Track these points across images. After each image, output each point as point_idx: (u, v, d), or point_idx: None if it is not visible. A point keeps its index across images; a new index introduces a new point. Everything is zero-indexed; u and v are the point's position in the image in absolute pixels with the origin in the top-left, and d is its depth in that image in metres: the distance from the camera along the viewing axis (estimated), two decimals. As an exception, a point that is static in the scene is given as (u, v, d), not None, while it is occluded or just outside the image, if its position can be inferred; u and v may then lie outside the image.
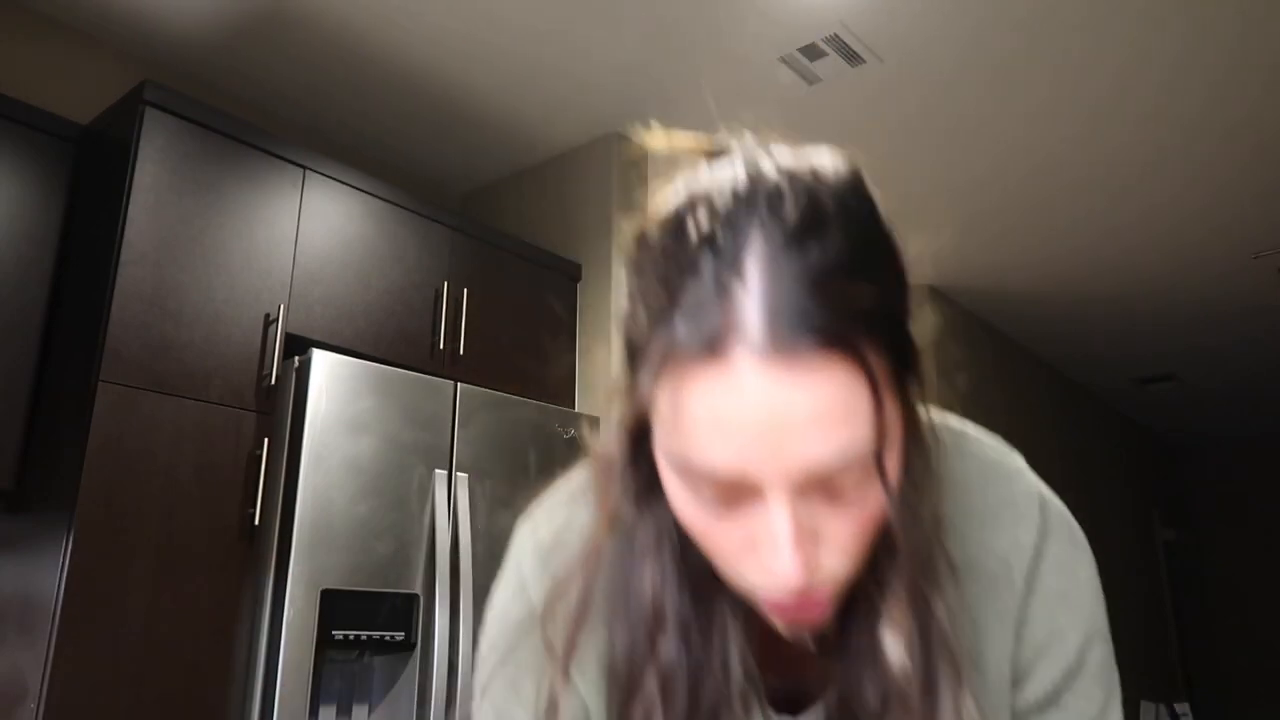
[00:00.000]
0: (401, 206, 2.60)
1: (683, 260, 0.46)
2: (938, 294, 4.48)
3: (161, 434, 1.98)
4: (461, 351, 2.62)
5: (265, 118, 2.98)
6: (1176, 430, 7.27)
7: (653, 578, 0.57)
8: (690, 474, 0.48)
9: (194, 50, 2.71)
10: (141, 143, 2.07)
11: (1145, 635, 6.10)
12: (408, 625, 2.13)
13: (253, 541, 2.06)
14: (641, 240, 0.51)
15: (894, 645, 0.54)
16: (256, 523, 2.06)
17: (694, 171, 0.52)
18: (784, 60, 2.69)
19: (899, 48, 2.67)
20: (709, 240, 0.46)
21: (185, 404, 2.03)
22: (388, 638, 2.10)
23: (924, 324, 0.53)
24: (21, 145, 2.14)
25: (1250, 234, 3.89)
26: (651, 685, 0.56)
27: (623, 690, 0.58)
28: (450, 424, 2.34)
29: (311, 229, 2.36)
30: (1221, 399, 6.33)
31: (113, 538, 1.88)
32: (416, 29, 2.61)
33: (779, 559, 0.47)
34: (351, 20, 2.58)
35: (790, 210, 0.46)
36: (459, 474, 2.31)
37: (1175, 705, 5.10)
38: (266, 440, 2.10)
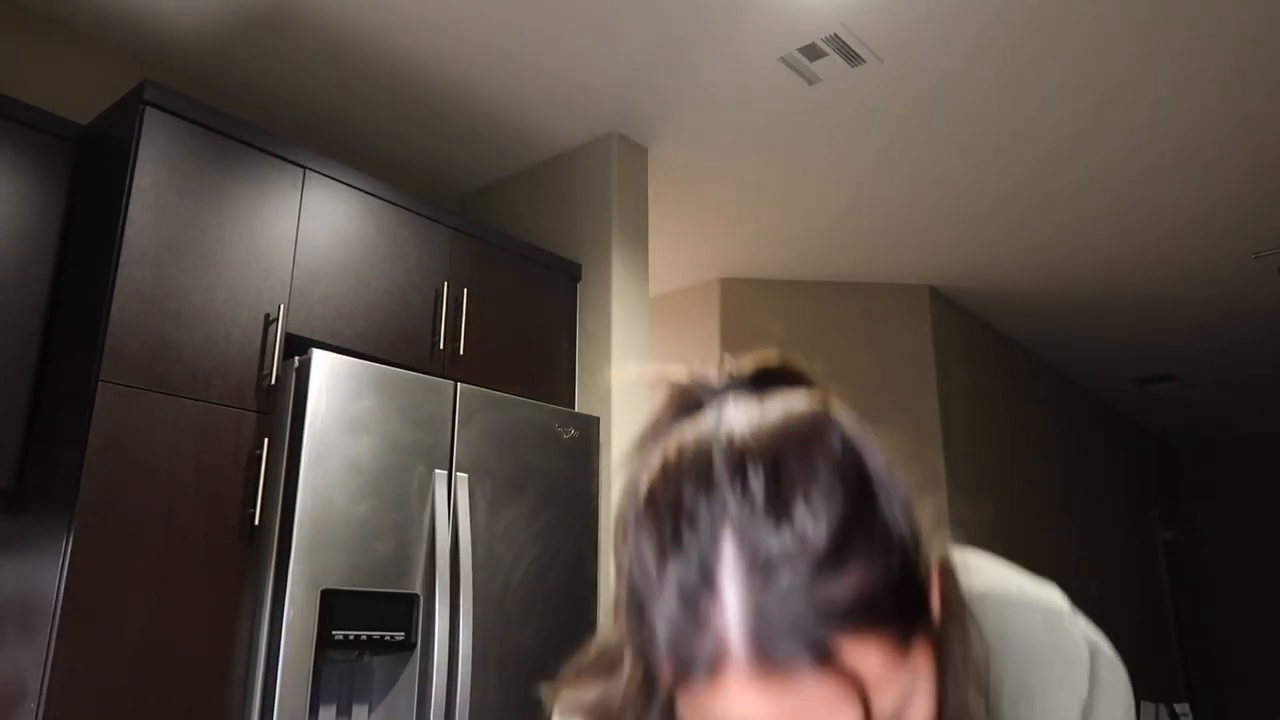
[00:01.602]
0: (401, 206, 2.60)
1: (663, 570, 0.45)
2: (938, 294, 4.48)
3: (161, 434, 1.98)
4: (461, 351, 2.62)
5: (265, 118, 2.99)
6: (1176, 430, 7.27)
7: None
8: None
9: (194, 50, 2.71)
10: (141, 143, 2.07)
11: (1145, 635, 6.10)
12: (408, 625, 2.13)
13: (253, 541, 2.06)
14: (622, 520, 0.49)
15: None
16: (256, 523, 2.06)
17: (661, 424, 0.51)
18: (784, 60, 2.69)
19: (899, 48, 2.67)
20: (679, 547, 0.45)
21: (185, 404, 2.03)
22: (388, 638, 2.10)
23: (938, 543, 0.51)
24: (21, 145, 2.14)
25: (1250, 234, 3.89)
26: None
27: None
28: (450, 424, 2.34)
29: (311, 229, 2.36)
30: (1221, 399, 6.33)
31: (113, 538, 1.88)
32: (416, 29, 2.61)
33: None
34: (351, 21, 2.58)
35: (762, 504, 0.44)
36: (459, 474, 2.31)
37: (1175, 705, 5.10)
38: (266, 440, 2.10)
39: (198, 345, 2.08)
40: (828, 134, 3.10)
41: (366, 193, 2.52)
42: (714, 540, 0.44)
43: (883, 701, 0.43)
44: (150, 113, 2.10)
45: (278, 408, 2.15)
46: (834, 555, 0.43)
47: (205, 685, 1.96)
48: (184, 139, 2.15)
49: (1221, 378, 5.86)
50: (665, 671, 0.46)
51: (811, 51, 2.66)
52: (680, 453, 0.47)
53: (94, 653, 1.81)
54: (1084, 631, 0.62)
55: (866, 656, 0.43)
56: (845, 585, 0.43)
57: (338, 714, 2.16)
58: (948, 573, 0.53)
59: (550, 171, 3.30)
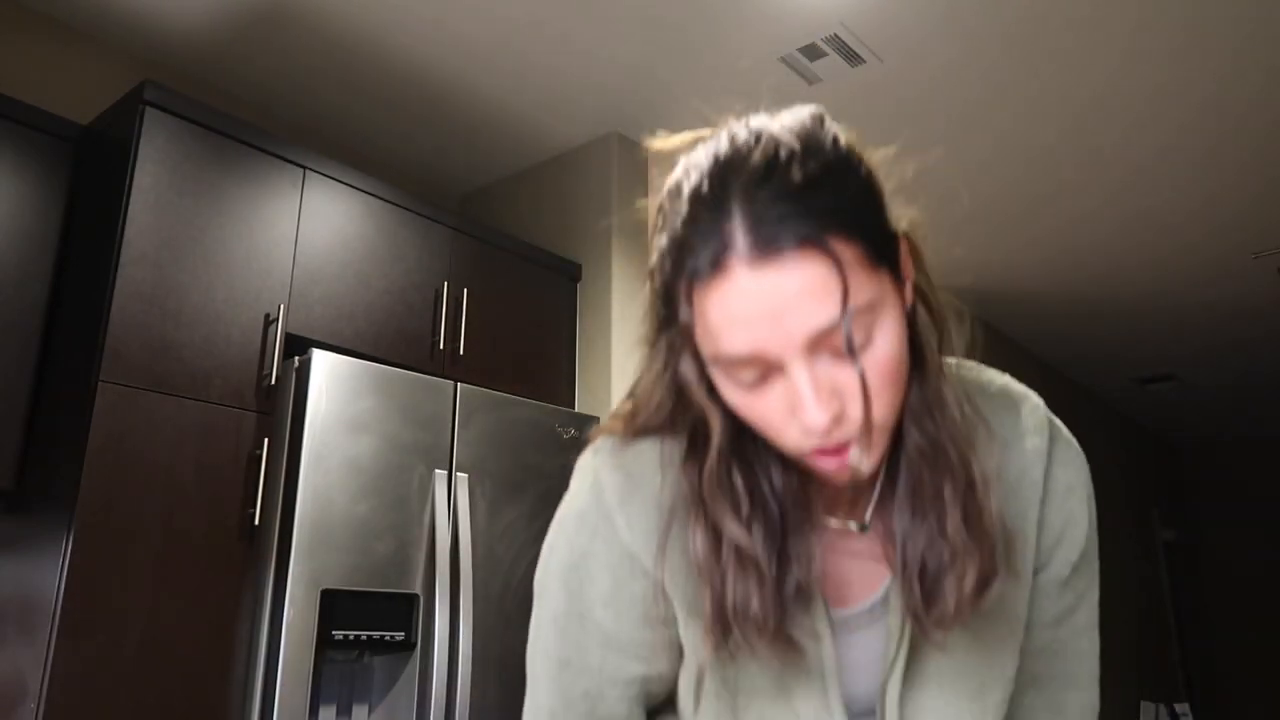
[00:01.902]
0: (401, 206, 2.60)
1: (685, 214, 0.61)
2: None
3: (161, 434, 1.98)
4: (461, 351, 2.62)
5: (265, 118, 2.98)
6: (1176, 430, 7.27)
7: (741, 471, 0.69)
8: (727, 368, 0.62)
9: (194, 50, 2.71)
10: (141, 143, 2.07)
11: (1145, 635, 6.10)
12: (408, 625, 2.13)
13: (253, 541, 2.06)
14: (659, 210, 0.66)
15: (951, 512, 0.66)
16: (256, 523, 2.06)
17: (690, 151, 0.66)
18: (784, 60, 2.69)
19: (899, 47, 2.67)
20: (699, 194, 0.61)
21: (185, 404, 2.03)
22: (388, 638, 2.10)
23: (906, 219, 0.68)
24: (21, 145, 2.14)
25: (1250, 234, 3.89)
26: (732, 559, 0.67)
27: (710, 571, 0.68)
28: (450, 424, 2.34)
29: (311, 229, 2.36)
30: (1221, 399, 6.33)
31: (113, 538, 1.88)
32: (417, 29, 2.61)
33: (808, 411, 0.59)
34: (351, 20, 2.58)
35: (758, 157, 0.60)
36: (459, 474, 2.31)
37: (1175, 705, 5.10)
38: (266, 440, 2.10)
39: (198, 345, 2.08)
40: (828, 134, 3.09)
41: (366, 193, 2.52)
42: (727, 183, 0.60)
43: (858, 296, 0.58)
44: (150, 113, 2.10)
45: (278, 408, 2.15)
46: (814, 183, 0.59)
47: (205, 685, 1.96)
48: (184, 139, 2.15)
49: (1221, 378, 5.86)
50: (682, 289, 0.61)
51: (811, 51, 2.66)
52: (704, 149, 0.64)
53: (94, 653, 1.81)
54: (1040, 402, 0.79)
55: (844, 251, 0.58)
56: (826, 200, 0.58)
57: (338, 714, 2.16)
58: (915, 249, 0.69)
59: (550, 171, 3.30)
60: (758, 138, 0.62)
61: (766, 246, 0.57)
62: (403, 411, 2.24)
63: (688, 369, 0.65)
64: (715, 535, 0.67)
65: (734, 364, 0.61)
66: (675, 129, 0.70)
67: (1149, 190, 3.53)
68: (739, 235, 0.58)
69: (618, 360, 2.93)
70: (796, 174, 0.59)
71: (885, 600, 0.72)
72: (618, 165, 3.10)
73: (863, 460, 0.62)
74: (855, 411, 0.61)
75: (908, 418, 0.67)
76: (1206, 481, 7.60)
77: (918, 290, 0.68)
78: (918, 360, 0.67)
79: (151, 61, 2.73)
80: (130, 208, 2.03)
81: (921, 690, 0.71)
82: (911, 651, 0.70)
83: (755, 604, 0.65)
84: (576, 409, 2.92)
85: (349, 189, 2.48)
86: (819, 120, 0.64)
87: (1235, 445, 7.48)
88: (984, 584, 0.65)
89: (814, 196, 0.58)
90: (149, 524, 1.93)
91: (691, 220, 0.60)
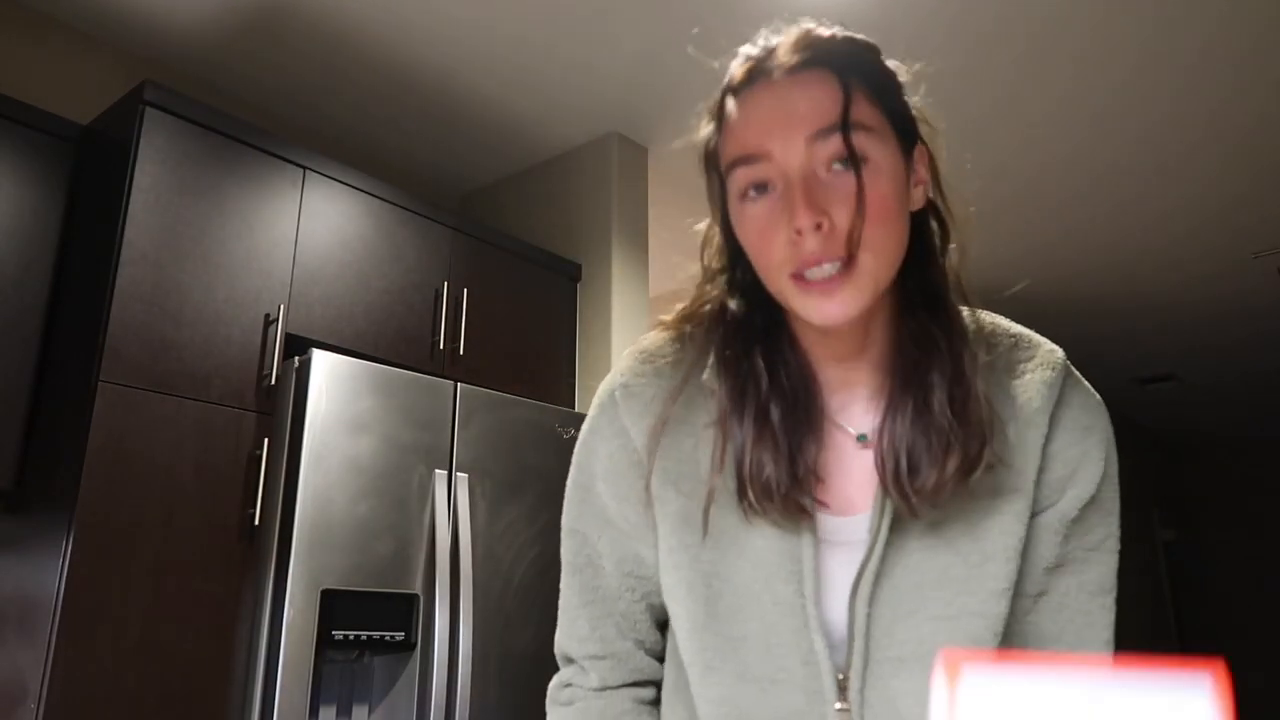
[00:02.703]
0: (401, 206, 2.60)
1: (734, 65, 0.75)
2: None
3: (161, 434, 1.98)
4: (461, 351, 2.62)
5: (265, 118, 2.98)
6: (1176, 430, 7.26)
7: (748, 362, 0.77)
8: (738, 179, 0.70)
9: (194, 50, 2.71)
10: (141, 143, 2.07)
11: (1145, 635, 6.10)
12: (408, 625, 2.13)
13: (253, 541, 2.06)
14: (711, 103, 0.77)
15: (937, 396, 0.71)
16: (256, 523, 2.06)
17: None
18: (784, 60, 2.69)
19: (899, 48, 2.66)
20: (747, 54, 0.74)
21: (185, 404, 2.03)
22: (388, 638, 2.10)
23: (927, 129, 0.79)
24: (21, 145, 2.14)
25: (1250, 234, 3.89)
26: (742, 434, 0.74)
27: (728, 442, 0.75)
28: (450, 424, 2.34)
29: (311, 229, 2.36)
30: (1221, 399, 6.33)
31: (113, 538, 1.88)
32: (416, 29, 2.61)
33: (797, 209, 0.66)
34: (351, 20, 2.58)
35: (796, 30, 0.73)
36: (459, 474, 2.31)
37: (1175, 705, 5.09)
38: (266, 440, 2.10)
39: (198, 345, 2.08)
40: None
41: (366, 193, 2.52)
42: (767, 44, 0.73)
43: (862, 116, 0.69)
44: (150, 113, 2.10)
45: (278, 408, 2.15)
46: (842, 41, 0.74)
47: (205, 685, 1.96)
48: (184, 139, 2.15)
49: (1221, 378, 5.86)
50: (718, 114, 0.74)
51: (811, 51, 2.66)
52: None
53: (94, 653, 1.81)
54: (1059, 350, 0.81)
55: (857, 89, 0.70)
56: (848, 54, 0.72)
57: (338, 714, 2.16)
58: (933, 161, 0.78)
59: (550, 171, 3.30)
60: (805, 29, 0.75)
61: (790, 67, 0.70)
62: (403, 411, 2.24)
63: (723, 216, 0.75)
64: (738, 401, 0.74)
65: (743, 166, 0.70)
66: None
67: (1150, 192, 3.53)
68: (769, 60, 0.71)
69: (618, 360, 2.93)
70: (825, 33, 0.73)
71: (875, 516, 0.74)
72: (618, 165, 3.10)
73: (846, 297, 0.67)
74: (842, 229, 0.67)
75: (904, 307, 0.75)
76: (1206, 481, 7.60)
77: (930, 202, 0.77)
78: (921, 256, 0.75)
79: (151, 61, 2.73)
80: (130, 208, 2.03)
81: (893, 599, 0.71)
82: (888, 563, 0.72)
83: (770, 470, 0.71)
84: (576, 409, 2.92)
85: (349, 189, 2.48)
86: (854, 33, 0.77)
87: (1235, 445, 7.48)
88: (969, 467, 0.69)
89: (838, 47, 0.72)
90: (149, 524, 1.93)
91: (740, 63, 0.74)
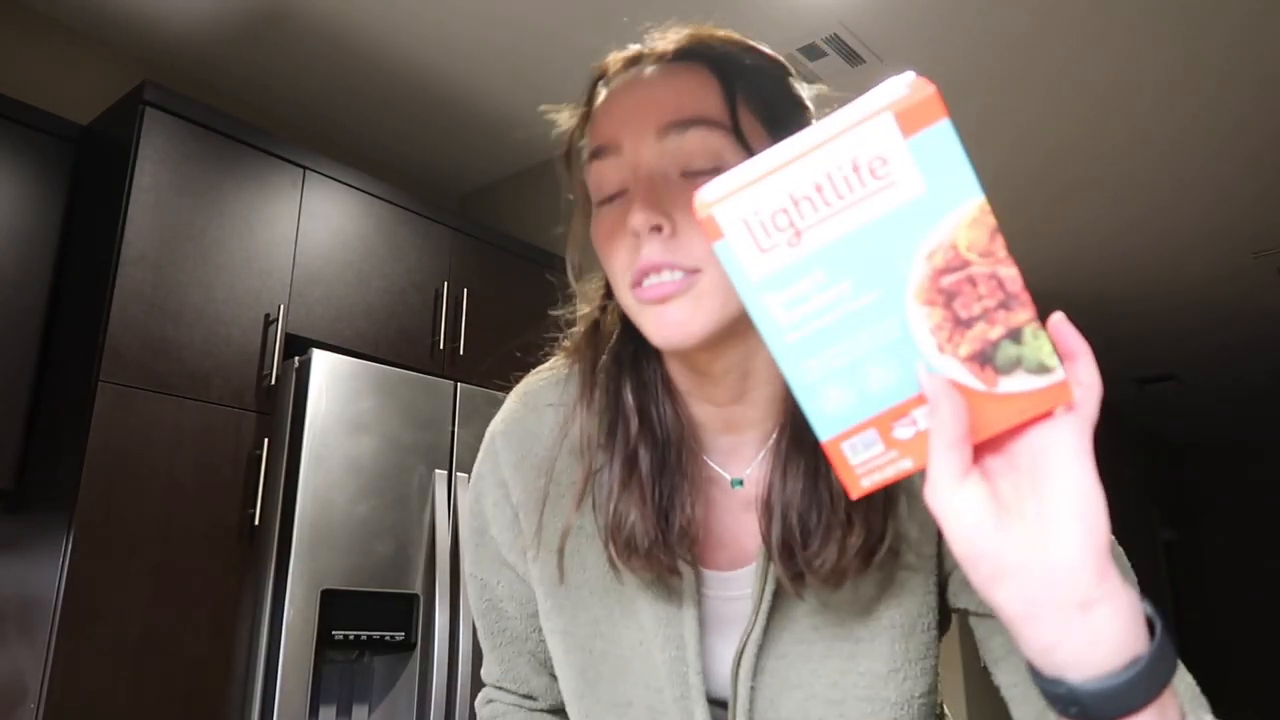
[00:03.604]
0: (401, 206, 2.60)
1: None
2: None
3: (161, 434, 1.98)
4: (461, 351, 2.62)
5: (265, 118, 2.98)
6: (1176, 430, 7.27)
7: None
8: (590, 170, 0.65)
9: (194, 50, 2.71)
10: (141, 143, 2.07)
11: (1145, 635, 6.09)
12: (408, 625, 2.13)
13: (253, 541, 2.06)
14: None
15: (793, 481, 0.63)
16: (256, 523, 2.06)
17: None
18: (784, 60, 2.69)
19: (899, 48, 2.67)
20: (631, 49, 0.68)
21: (185, 404, 2.03)
22: (388, 638, 2.10)
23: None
24: (21, 145, 2.14)
25: (1250, 234, 3.89)
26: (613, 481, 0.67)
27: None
28: (450, 424, 2.34)
29: (311, 229, 2.36)
30: (1221, 399, 6.33)
31: (113, 538, 1.88)
32: (416, 29, 2.61)
33: (634, 207, 0.59)
34: (351, 20, 2.58)
35: (688, 32, 0.67)
36: (459, 474, 2.31)
37: (1175, 705, 5.09)
38: (266, 440, 2.10)
39: (198, 345, 2.08)
40: (828, 134, 3.09)
41: (366, 193, 2.52)
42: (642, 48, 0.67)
43: (725, 117, 0.61)
44: (150, 113, 2.10)
45: (278, 408, 2.15)
46: (721, 40, 0.66)
47: (205, 685, 1.96)
48: (184, 139, 2.15)
49: (1221, 378, 5.86)
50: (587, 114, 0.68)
51: (811, 51, 2.66)
52: None
53: (94, 653, 1.81)
54: None
55: (738, 100, 0.62)
56: (726, 55, 0.65)
57: (338, 714, 2.16)
58: None
59: (550, 171, 3.29)
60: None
61: (662, 56, 0.65)
62: (403, 411, 2.24)
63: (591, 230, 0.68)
64: (607, 442, 0.68)
65: (595, 160, 0.64)
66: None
67: (1150, 191, 3.53)
68: (643, 50, 0.67)
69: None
70: (720, 33, 0.67)
71: (758, 580, 0.67)
72: (618, 165, 3.09)
73: (684, 313, 0.59)
74: (685, 238, 0.59)
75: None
76: (1206, 481, 7.60)
77: None
78: None
79: (151, 61, 2.73)
80: (130, 208, 2.02)
81: (780, 670, 0.66)
82: (773, 632, 0.66)
83: (635, 521, 0.64)
84: (576, 409, 2.92)
85: (349, 189, 2.48)
86: (780, 56, 0.70)
87: (1235, 445, 7.48)
88: (870, 549, 0.61)
89: (730, 50, 0.65)
90: (149, 524, 1.93)
91: (618, 54, 0.68)
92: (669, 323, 0.60)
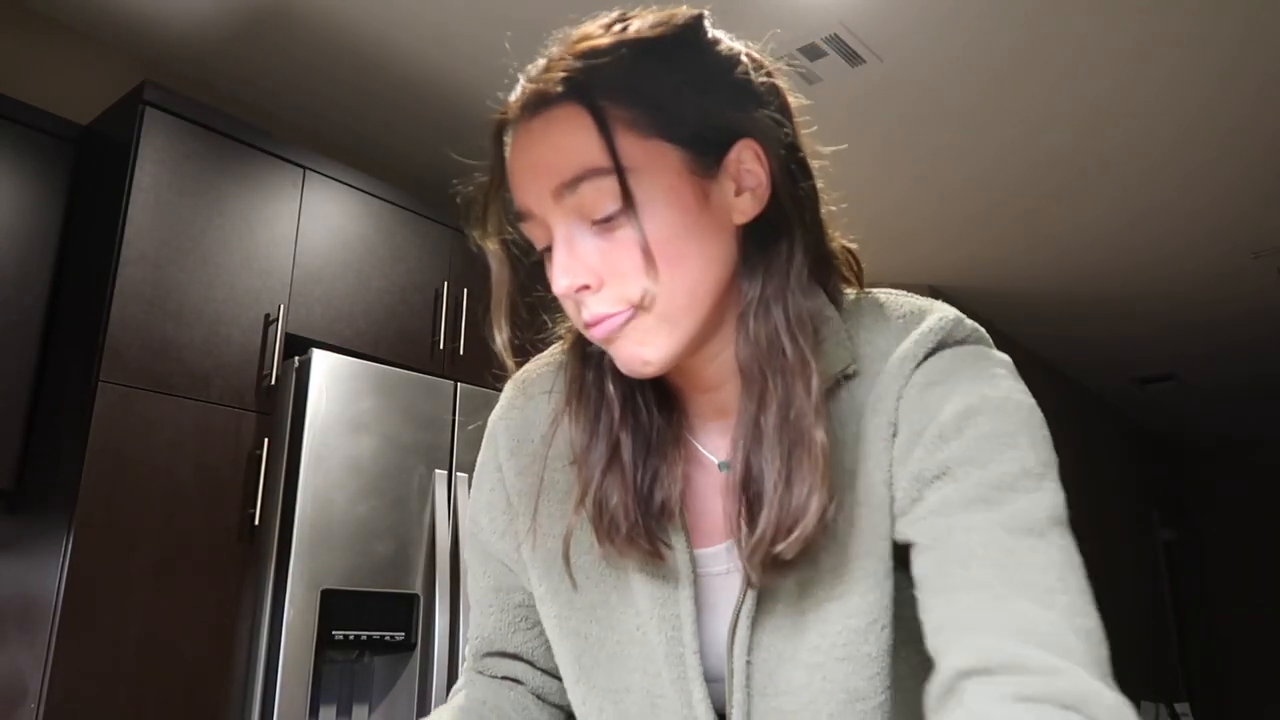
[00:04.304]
0: (401, 206, 2.60)
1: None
2: (937, 294, 4.47)
3: (161, 434, 1.98)
4: (461, 351, 2.62)
5: (265, 118, 2.98)
6: (1176, 430, 7.27)
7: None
8: (524, 229, 0.65)
9: (194, 50, 2.71)
10: (141, 143, 2.07)
11: (1145, 635, 6.10)
12: (408, 625, 2.13)
13: (253, 542, 2.06)
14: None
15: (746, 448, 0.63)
16: (256, 523, 2.06)
17: None
18: (784, 60, 2.69)
19: (899, 48, 2.67)
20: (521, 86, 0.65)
21: (185, 404, 2.03)
22: (388, 638, 2.10)
23: (760, 127, 0.65)
24: (21, 145, 2.14)
25: (1250, 234, 3.89)
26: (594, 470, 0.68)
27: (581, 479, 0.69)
28: (450, 424, 2.34)
29: (311, 229, 2.36)
30: (1221, 399, 6.33)
31: (113, 538, 1.88)
32: (417, 29, 2.61)
33: (554, 271, 0.61)
34: (352, 21, 2.58)
35: (551, 60, 0.64)
36: (459, 474, 2.31)
37: (1175, 705, 5.10)
38: (266, 440, 2.10)
39: (198, 345, 2.08)
40: (828, 134, 3.09)
41: (366, 193, 2.52)
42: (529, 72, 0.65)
43: (621, 156, 0.58)
44: (150, 113, 2.10)
45: (278, 408, 2.15)
46: (610, 50, 0.61)
47: (205, 685, 1.96)
48: (184, 139, 2.15)
49: (1221, 378, 5.86)
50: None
51: (811, 51, 2.66)
52: None
53: (94, 653, 1.81)
54: (957, 316, 0.69)
55: (614, 113, 0.59)
56: (613, 66, 0.60)
57: (338, 714, 2.16)
58: (779, 165, 0.65)
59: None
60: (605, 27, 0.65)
61: (530, 104, 0.62)
62: (403, 411, 2.24)
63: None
64: (590, 431, 0.69)
65: (524, 226, 0.64)
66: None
67: (1150, 191, 3.53)
68: (520, 97, 0.63)
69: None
70: (590, 43, 0.62)
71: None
72: (618, 165, 3.09)
73: (643, 352, 0.61)
74: (614, 284, 0.60)
75: (739, 344, 0.65)
76: (1206, 481, 7.60)
77: (776, 205, 0.65)
78: (756, 278, 0.65)
79: (151, 61, 2.73)
80: (130, 208, 2.03)
81: (774, 643, 0.65)
82: (765, 603, 0.65)
83: (616, 500, 0.65)
84: (576, 409, 2.92)
85: (349, 189, 2.48)
86: (690, 16, 0.66)
87: (1235, 445, 7.48)
88: (803, 523, 0.59)
89: (597, 62, 0.60)
90: (149, 524, 1.93)
91: (514, 93, 0.65)
92: (625, 358, 0.62)
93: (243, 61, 2.77)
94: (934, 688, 0.55)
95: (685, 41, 0.65)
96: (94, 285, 2.02)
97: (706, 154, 0.62)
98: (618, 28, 0.63)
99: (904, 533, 0.62)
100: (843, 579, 0.63)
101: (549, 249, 0.63)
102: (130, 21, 2.58)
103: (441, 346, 2.59)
